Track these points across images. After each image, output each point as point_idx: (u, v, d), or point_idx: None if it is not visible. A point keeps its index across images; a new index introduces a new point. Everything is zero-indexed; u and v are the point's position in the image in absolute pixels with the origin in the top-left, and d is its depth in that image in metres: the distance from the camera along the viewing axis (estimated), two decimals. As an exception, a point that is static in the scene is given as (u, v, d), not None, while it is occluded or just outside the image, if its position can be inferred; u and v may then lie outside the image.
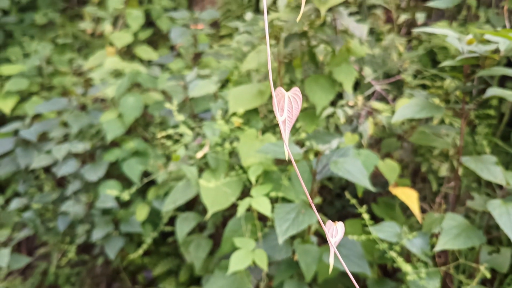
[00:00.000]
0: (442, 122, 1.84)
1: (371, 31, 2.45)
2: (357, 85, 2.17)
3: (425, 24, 2.30)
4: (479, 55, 1.29)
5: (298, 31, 1.69)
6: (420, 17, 2.24)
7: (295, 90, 0.52)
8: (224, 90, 2.12)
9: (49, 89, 3.37)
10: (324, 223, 1.70)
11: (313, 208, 0.57)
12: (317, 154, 1.56)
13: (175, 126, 2.02)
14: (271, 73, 1.64)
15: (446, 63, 1.37)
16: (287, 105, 0.50)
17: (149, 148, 2.42)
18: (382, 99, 2.16)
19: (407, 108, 1.42)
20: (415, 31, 1.46)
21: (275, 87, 1.79)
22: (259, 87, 1.73)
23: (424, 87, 2.04)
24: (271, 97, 1.84)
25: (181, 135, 1.69)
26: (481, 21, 2.39)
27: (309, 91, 1.73)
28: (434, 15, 2.61)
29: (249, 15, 2.01)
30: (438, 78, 1.97)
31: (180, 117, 1.66)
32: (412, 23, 2.67)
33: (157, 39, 3.40)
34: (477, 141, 1.88)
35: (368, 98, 2.13)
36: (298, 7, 1.97)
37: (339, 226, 0.49)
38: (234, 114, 1.73)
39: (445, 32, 1.43)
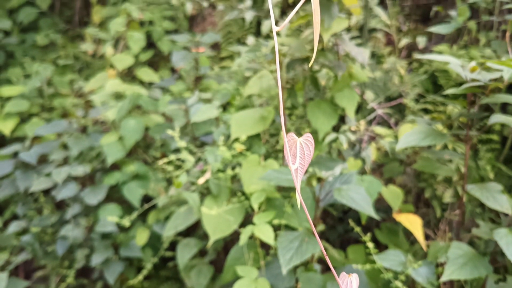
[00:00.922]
0: (445, 146, 1.84)
1: (372, 54, 2.46)
2: (359, 108, 2.17)
3: (426, 48, 2.31)
4: (483, 83, 1.29)
5: (300, 56, 1.69)
6: (421, 41, 2.25)
7: (307, 136, 0.51)
8: (226, 114, 2.11)
9: (49, 110, 3.37)
10: (327, 250, 1.67)
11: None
12: (320, 180, 1.54)
13: (176, 150, 2.00)
14: (273, 99, 1.64)
15: (450, 91, 1.37)
16: (299, 151, 0.49)
17: (150, 171, 2.41)
18: (384, 122, 2.15)
19: (410, 135, 1.41)
20: (418, 57, 1.46)
21: (277, 112, 1.78)
22: (261, 113, 1.72)
23: (426, 111, 2.04)
24: (273, 122, 1.84)
25: (182, 160, 1.68)
26: (481, 44, 2.40)
27: (311, 116, 1.73)
28: (435, 37, 2.62)
29: (250, 40, 2.02)
30: (440, 102, 1.96)
31: (181, 143, 1.65)
32: (412, 46, 2.68)
33: (158, 60, 3.41)
34: (480, 166, 1.87)
35: (370, 122, 2.12)
36: (299, 30, 1.98)
37: (354, 279, 0.47)
38: (236, 139, 1.72)
39: (448, 60, 1.42)
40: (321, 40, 1.62)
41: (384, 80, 2.33)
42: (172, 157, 1.66)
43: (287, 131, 1.78)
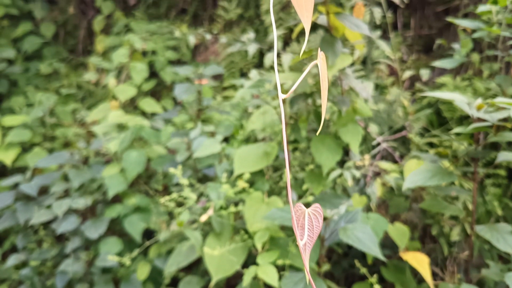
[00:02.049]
0: (451, 182, 1.80)
1: (375, 85, 2.45)
2: (363, 141, 2.15)
3: (429, 79, 2.30)
4: (491, 124, 1.27)
5: (303, 92, 1.68)
6: (425, 73, 2.24)
7: (316, 206, 0.49)
8: (229, 147, 2.09)
9: (51, 139, 3.36)
10: (333, 290, 1.62)
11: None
12: (324, 219, 1.51)
13: (178, 185, 1.98)
14: (276, 134, 1.61)
15: (457, 130, 1.35)
16: (307, 223, 0.47)
17: (151, 204, 2.38)
18: (389, 155, 2.13)
19: (417, 174, 1.39)
20: (423, 94, 1.45)
21: (281, 148, 1.76)
22: (265, 148, 1.70)
23: (431, 145, 2.01)
24: (277, 157, 1.81)
25: (185, 197, 1.66)
26: (485, 76, 2.39)
27: (315, 151, 1.70)
28: (438, 68, 2.62)
29: (253, 73, 2.01)
30: (445, 135, 1.94)
31: (184, 181, 1.63)
32: (416, 76, 2.68)
33: (161, 90, 3.41)
34: (487, 201, 1.84)
35: (374, 155, 2.10)
36: (302, 64, 1.97)
37: None
38: (239, 176, 1.69)
39: (453, 97, 1.41)
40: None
41: (388, 111, 2.31)
42: (174, 195, 1.63)
43: (291, 167, 1.76)
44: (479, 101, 1.41)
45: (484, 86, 2.32)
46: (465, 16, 2.49)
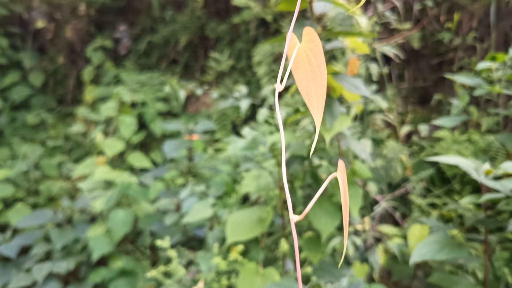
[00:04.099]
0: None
1: (372, 140, 2.38)
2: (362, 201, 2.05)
3: (429, 137, 2.24)
4: (504, 195, 1.18)
5: (299, 153, 1.59)
6: (424, 129, 2.18)
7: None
8: (220, 208, 1.98)
9: (35, 193, 3.22)
10: None
11: None
12: (325, 293, 1.39)
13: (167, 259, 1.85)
14: (271, 199, 1.51)
15: (467, 200, 1.26)
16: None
17: (138, 267, 2.23)
18: (389, 215, 2.03)
19: (425, 246, 1.28)
20: (429, 159, 1.37)
21: (276, 213, 1.66)
22: (259, 214, 1.59)
23: (433, 205, 1.92)
24: (272, 224, 1.70)
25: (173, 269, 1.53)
26: (483, 129, 2.33)
27: (313, 216, 1.60)
28: (433, 120, 2.56)
29: (246, 130, 1.93)
30: (451, 202, 1.85)
31: (172, 253, 1.51)
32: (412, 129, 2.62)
33: (150, 142, 3.32)
34: (496, 266, 1.73)
35: (374, 216, 2.00)
36: (297, 124, 1.89)
37: None
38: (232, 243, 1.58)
39: (458, 162, 1.33)
40: (322, 140, 1.53)
41: (386, 167, 2.23)
42: (162, 267, 1.51)
43: (287, 233, 1.65)
44: (487, 166, 1.33)
45: (483, 140, 2.26)
46: (460, 69, 2.46)
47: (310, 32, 0.49)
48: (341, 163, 0.45)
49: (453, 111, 2.15)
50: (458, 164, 1.32)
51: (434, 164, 2.37)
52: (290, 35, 0.50)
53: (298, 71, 0.51)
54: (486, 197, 1.19)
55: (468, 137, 2.29)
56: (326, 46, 1.43)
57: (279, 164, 1.61)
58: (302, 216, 0.42)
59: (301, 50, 0.50)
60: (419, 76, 2.68)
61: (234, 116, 2.98)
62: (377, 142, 2.43)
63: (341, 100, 1.68)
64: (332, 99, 1.47)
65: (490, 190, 1.31)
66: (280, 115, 1.56)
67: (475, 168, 1.33)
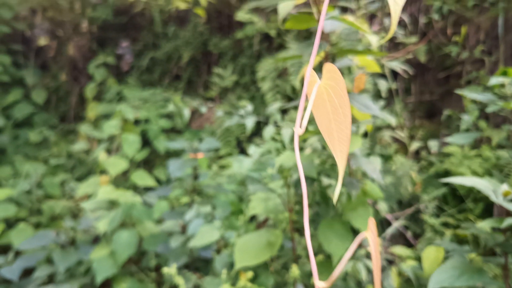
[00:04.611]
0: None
1: (381, 156, 2.34)
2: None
3: (438, 152, 2.19)
4: (526, 220, 1.13)
5: (309, 175, 1.55)
6: (434, 145, 2.13)
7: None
8: (227, 229, 1.94)
9: (38, 212, 3.18)
10: None
11: None
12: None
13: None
14: (280, 222, 1.46)
15: (488, 224, 1.21)
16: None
17: (143, 290, 2.18)
18: (400, 235, 1.98)
19: (443, 272, 1.23)
20: (443, 181, 1.33)
21: (285, 236, 1.61)
22: (268, 237, 1.54)
23: (446, 224, 1.87)
24: (281, 248, 1.65)
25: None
26: (494, 144, 2.29)
27: (323, 239, 1.55)
28: (442, 136, 2.52)
29: (253, 149, 1.89)
30: (462, 215, 1.80)
31: (179, 280, 1.46)
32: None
33: (154, 158, 3.28)
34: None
35: (385, 236, 1.95)
36: (304, 140, 1.85)
37: None
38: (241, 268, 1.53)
39: (475, 183, 1.28)
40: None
41: (395, 184, 2.18)
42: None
43: (297, 256, 1.60)
44: (505, 187, 1.28)
45: (494, 155, 2.21)
46: (468, 83, 2.42)
47: (331, 69, 0.45)
48: (372, 224, 0.41)
49: (462, 126, 2.11)
50: (474, 186, 1.27)
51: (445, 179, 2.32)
52: (309, 71, 0.46)
53: (318, 110, 0.47)
54: (508, 221, 1.14)
55: (478, 152, 2.24)
56: (335, 65, 1.39)
57: (287, 186, 1.57)
58: (329, 284, 0.38)
59: (322, 88, 0.46)
60: (426, 90, 2.64)
61: (238, 132, 2.94)
62: (386, 158, 2.39)
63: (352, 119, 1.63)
64: (342, 119, 1.43)
65: (509, 212, 1.26)
66: (286, 134, 1.51)
67: (493, 189, 1.29)
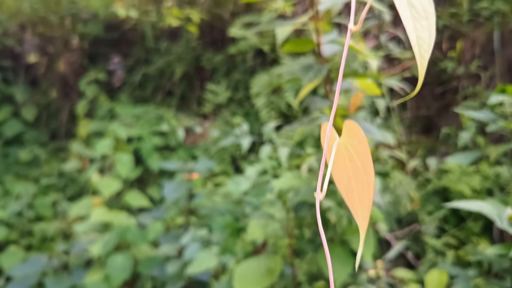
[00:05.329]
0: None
1: (378, 174, 2.31)
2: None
3: (439, 169, 2.17)
4: (535, 249, 1.10)
5: (308, 200, 1.51)
6: (432, 163, 2.11)
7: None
8: (224, 252, 1.89)
9: (29, 233, 3.11)
10: None
11: None
12: None
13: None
14: (280, 248, 1.42)
15: (495, 250, 1.18)
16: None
17: (139, 316, 2.12)
18: (401, 255, 1.94)
19: (449, 301, 1.20)
20: (447, 205, 1.30)
21: (285, 261, 1.57)
22: (268, 264, 1.50)
23: (448, 245, 1.84)
24: (282, 275, 1.61)
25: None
26: (492, 160, 2.27)
27: (323, 264, 1.51)
28: (440, 152, 2.50)
29: (250, 171, 1.85)
30: (464, 235, 1.77)
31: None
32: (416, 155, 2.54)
33: (147, 177, 3.22)
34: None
35: (384, 255, 1.91)
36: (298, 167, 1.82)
37: None
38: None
39: (480, 208, 1.25)
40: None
41: (394, 202, 2.15)
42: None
43: (298, 284, 1.56)
44: (510, 211, 1.25)
45: (493, 171, 2.19)
46: (465, 98, 2.40)
47: (352, 127, 0.42)
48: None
49: (460, 144, 2.09)
50: (481, 211, 1.24)
51: (443, 196, 2.30)
52: (330, 128, 0.43)
53: (336, 167, 0.44)
54: (517, 251, 1.11)
55: (477, 169, 2.22)
56: (334, 88, 1.37)
57: (287, 210, 1.53)
58: None
59: (341, 146, 0.43)
60: (422, 105, 2.62)
61: (233, 150, 2.91)
62: (383, 175, 2.36)
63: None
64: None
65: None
66: (283, 153, 1.48)
67: (497, 214, 1.26)
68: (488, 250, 1.21)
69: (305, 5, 2.58)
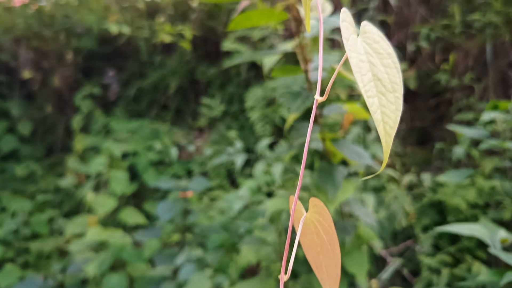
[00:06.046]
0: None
1: (373, 189, 2.30)
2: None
3: (434, 182, 2.16)
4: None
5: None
6: (426, 179, 2.10)
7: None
8: (219, 273, 1.88)
9: (25, 251, 3.10)
10: None
11: None
12: None
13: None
14: (273, 271, 1.41)
15: (486, 277, 1.17)
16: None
17: (135, 337, 2.11)
18: (396, 272, 1.93)
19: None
20: (440, 229, 1.29)
21: (278, 285, 1.56)
22: (262, 287, 1.49)
23: (444, 263, 1.83)
24: (275, 299, 1.60)
25: None
26: (486, 172, 2.26)
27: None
28: (434, 167, 2.49)
29: (243, 191, 1.84)
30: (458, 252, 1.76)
31: None
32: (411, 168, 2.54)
33: (143, 192, 3.22)
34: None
35: (379, 273, 1.90)
36: (295, 187, 1.81)
37: None
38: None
39: (473, 232, 1.24)
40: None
41: (389, 216, 2.15)
42: None
43: (292, 307, 1.55)
44: (502, 234, 1.25)
45: (487, 184, 2.18)
46: (459, 110, 2.40)
47: (317, 204, 0.41)
48: None
49: (454, 158, 2.08)
50: (473, 235, 1.24)
51: (439, 209, 2.29)
52: (296, 200, 0.42)
53: (305, 240, 0.43)
54: (508, 277, 1.10)
55: (472, 182, 2.21)
56: (323, 112, 1.36)
57: (279, 233, 1.52)
58: None
59: (308, 220, 0.42)
60: (417, 117, 2.62)
61: (229, 164, 2.90)
62: (378, 190, 2.35)
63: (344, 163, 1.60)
64: (333, 166, 1.39)
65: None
66: (277, 171, 1.46)
67: (490, 237, 1.25)
68: (480, 277, 1.21)
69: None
